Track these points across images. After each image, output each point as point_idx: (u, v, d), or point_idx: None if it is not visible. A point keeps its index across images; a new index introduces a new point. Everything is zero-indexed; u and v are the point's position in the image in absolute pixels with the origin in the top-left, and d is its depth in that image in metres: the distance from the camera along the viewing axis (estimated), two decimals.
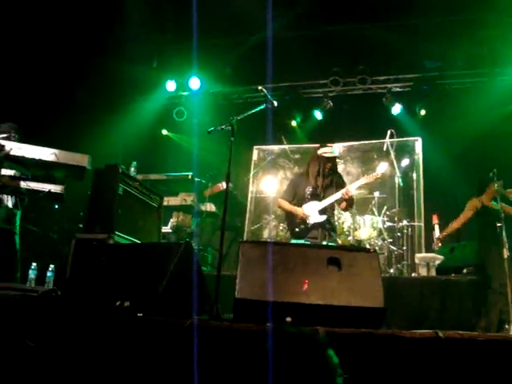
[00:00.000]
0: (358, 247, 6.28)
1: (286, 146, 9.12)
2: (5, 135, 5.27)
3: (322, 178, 5.82)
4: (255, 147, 9.25)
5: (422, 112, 9.13)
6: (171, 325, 3.67)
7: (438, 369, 3.37)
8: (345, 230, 7.12)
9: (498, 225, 5.44)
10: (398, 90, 9.31)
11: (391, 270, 7.19)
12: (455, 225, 6.67)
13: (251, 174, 9.04)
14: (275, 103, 5.46)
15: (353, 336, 3.52)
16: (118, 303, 4.17)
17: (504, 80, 8.42)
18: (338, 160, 6.25)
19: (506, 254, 5.32)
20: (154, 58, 9.56)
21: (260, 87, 5.45)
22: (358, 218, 7.25)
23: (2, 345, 3.95)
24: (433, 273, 6.62)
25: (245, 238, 8.31)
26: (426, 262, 6.67)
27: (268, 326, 3.58)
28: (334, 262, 3.84)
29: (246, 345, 3.71)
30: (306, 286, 3.76)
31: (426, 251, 7.45)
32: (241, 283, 3.75)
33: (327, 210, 5.84)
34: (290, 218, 5.92)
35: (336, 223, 6.61)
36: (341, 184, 5.93)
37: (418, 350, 3.50)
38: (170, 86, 9.59)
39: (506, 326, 5.30)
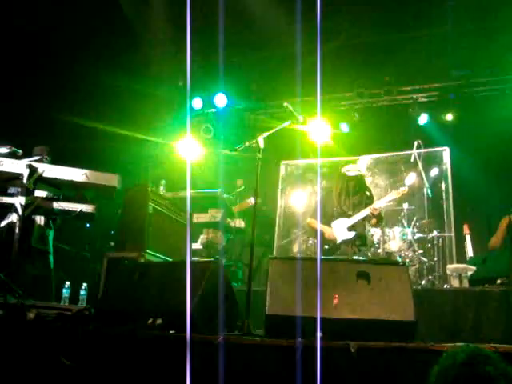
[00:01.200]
0: (387, 260, 6.25)
1: (314, 161, 9.13)
2: (37, 157, 5.39)
3: (348, 195, 5.83)
4: (283, 162, 9.27)
5: (449, 120, 9.07)
6: (202, 342, 3.70)
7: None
8: (374, 242, 7.09)
9: None
10: (424, 100, 9.26)
11: (423, 282, 7.12)
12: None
13: (279, 189, 9.06)
14: (301, 118, 5.48)
15: (384, 350, 3.51)
16: (150, 321, 4.21)
17: None
18: (365, 173, 6.25)
19: None
20: (180, 77, 9.69)
21: (285, 104, 5.48)
22: (387, 230, 7.21)
23: (38, 363, 4.03)
24: (465, 284, 6.53)
25: (274, 253, 8.32)
26: (458, 273, 6.58)
27: (299, 341, 3.60)
28: (364, 276, 3.85)
29: (278, 360, 3.73)
30: (336, 301, 3.76)
31: (458, 262, 7.36)
32: (271, 299, 3.77)
33: (356, 226, 5.83)
34: (320, 237, 5.93)
35: (365, 237, 6.59)
36: (369, 200, 5.92)
37: None
38: (197, 103, 9.70)
39: None
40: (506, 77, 8.55)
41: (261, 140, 4.60)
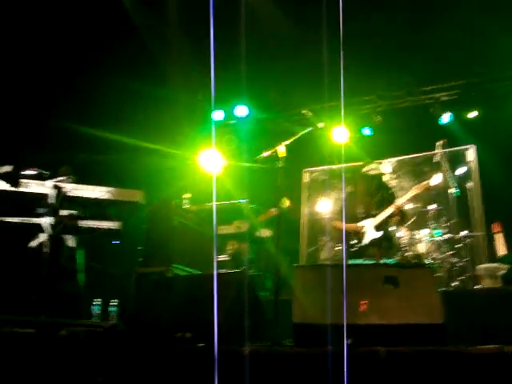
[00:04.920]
0: (412, 263, 6.18)
1: (336, 166, 9.09)
2: (63, 178, 5.47)
3: (370, 195, 5.81)
4: (305, 169, 9.25)
5: (473, 118, 8.98)
6: (230, 353, 3.71)
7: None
8: (402, 245, 7.00)
9: None
10: (446, 98, 9.17)
11: (454, 283, 7.02)
12: None
13: (303, 197, 9.04)
14: (322, 125, 5.48)
15: (413, 354, 3.47)
16: (179, 334, 4.24)
17: None
18: (389, 175, 6.21)
19: None
20: (200, 90, 9.74)
21: (304, 111, 5.48)
22: (415, 232, 7.12)
23: (72, 381, 4.08)
24: (498, 283, 6.43)
25: (301, 261, 8.28)
26: (489, 272, 6.48)
27: (328, 348, 3.58)
28: (390, 280, 3.82)
29: (307, 369, 3.71)
30: (363, 307, 3.74)
31: (489, 261, 7.24)
32: (297, 307, 3.77)
33: (382, 227, 5.80)
34: (346, 239, 5.91)
35: (392, 240, 6.54)
36: (391, 197, 5.89)
37: (483, 366, 3.42)
38: (218, 115, 9.75)
39: None
40: None
41: (281, 148, 4.61)
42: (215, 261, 6.33)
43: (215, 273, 5.94)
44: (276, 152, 4.63)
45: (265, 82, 9.07)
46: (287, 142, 4.78)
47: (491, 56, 8.41)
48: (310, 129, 5.22)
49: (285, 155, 4.67)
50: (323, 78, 6.87)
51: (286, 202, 7.77)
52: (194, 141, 9.46)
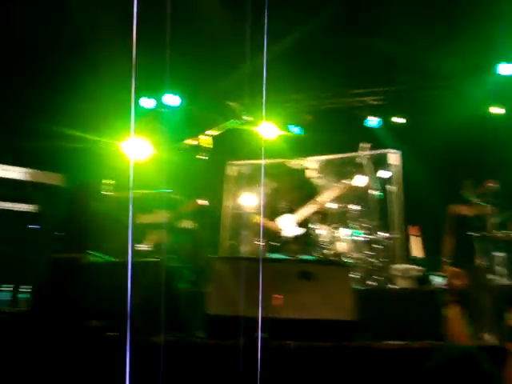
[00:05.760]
0: (329, 261, 6.28)
1: (262, 161, 9.08)
2: None
3: (294, 191, 5.85)
4: (230, 162, 9.22)
5: (399, 123, 9.24)
6: (142, 342, 3.65)
7: (410, 378, 3.38)
8: (322, 243, 7.09)
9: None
10: (375, 102, 9.38)
11: (370, 282, 7.17)
12: None
13: (227, 190, 9.01)
14: (249, 118, 5.47)
15: (323, 349, 3.52)
16: (92, 322, 4.15)
17: (474, 90, 8.59)
18: (314, 174, 6.27)
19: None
20: (128, 77, 9.52)
21: (233, 103, 5.46)
22: (335, 231, 7.23)
23: None
24: (412, 284, 6.64)
25: (222, 254, 8.25)
26: (404, 273, 6.68)
27: (240, 341, 3.58)
28: (306, 275, 3.85)
29: (219, 360, 3.70)
30: (277, 301, 3.76)
31: (405, 263, 7.45)
32: (212, 299, 3.75)
33: (303, 224, 5.85)
34: (267, 233, 5.93)
35: (312, 237, 6.62)
36: (314, 196, 5.95)
37: (390, 361, 3.51)
38: (147, 102, 9.58)
39: None
40: (450, 81, 8.76)
41: (206, 138, 4.58)
42: (130, 248, 6.21)
43: (130, 261, 5.84)
44: (200, 142, 4.59)
45: (196, 72, 8.97)
46: (212, 133, 4.74)
47: (422, 66, 8.64)
48: (237, 122, 5.19)
49: (210, 146, 4.64)
50: (254, 73, 6.86)
51: (195, 203, 7.74)
52: (120, 128, 9.27)
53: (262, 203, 6.06)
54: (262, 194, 6.37)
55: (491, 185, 6.73)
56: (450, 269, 3.04)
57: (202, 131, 5.05)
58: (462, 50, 8.08)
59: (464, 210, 6.44)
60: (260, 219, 5.98)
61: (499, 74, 8.45)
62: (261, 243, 6.33)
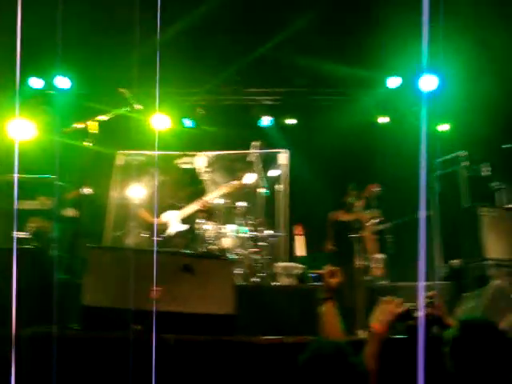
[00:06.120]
0: (212, 255, 6.30)
1: (152, 153, 8.95)
2: None
3: (181, 188, 5.84)
4: (119, 152, 9.00)
5: (291, 124, 9.48)
6: (18, 335, 3.47)
7: (284, 371, 3.45)
8: (208, 238, 7.09)
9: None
10: (268, 102, 9.53)
11: (253, 279, 7.25)
12: None
13: (115, 180, 8.79)
14: (139, 107, 5.36)
15: (202, 343, 3.52)
16: None
17: (364, 99, 8.98)
18: (203, 169, 6.26)
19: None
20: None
21: (122, 90, 5.33)
22: (221, 227, 7.25)
23: None
24: (294, 282, 6.79)
25: (105, 245, 8.03)
26: (287, 271, 6.83)
27: (117, 333, 3.50)
28: (188, 269, 3.83)
29: (93, 353, 3.60)
30: (156, 293, 3.70)
31: (288, 261, 7.62)
32: (88, 290, 3.63)
33: (187, 220, 5.84)
34: (151, 229, 5.87)
35: (198, 232, 6.61)
36: (201, 194, 5.96)
37: (265, 355, 3.56)
38: (36, 83, 9.13)
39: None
40: (340, 89, 9.10)
41: (92, 123, 4.43)
42: (14, 235, 5.90)
43: (15, 248, 5.55)
44: (87, 127, 4.43)
45: (89, 55, 8.66)
46: (100, 118, 4.60)
47: (317, 71, 8.87)
48: (126, 109, 5.07)
49: (96, 132, 4.49)
50: (149, 62, 6.73)
51: (79, 191, 7.50)
52: (5, 107, 8.78)
53: (156, 195, 5.96)
54: (155, 187, 6.28)
55: (375, 188, 7.07)
56: (327, 267, 3.13)
57: (90, 117, 4.87)
58: (357, 61, 8.40)
59: (343, 216, 6.73)
60: (143, 214, 5.90)
61: (387, 87, 8.89)
62: (145, 235, 6.25)
